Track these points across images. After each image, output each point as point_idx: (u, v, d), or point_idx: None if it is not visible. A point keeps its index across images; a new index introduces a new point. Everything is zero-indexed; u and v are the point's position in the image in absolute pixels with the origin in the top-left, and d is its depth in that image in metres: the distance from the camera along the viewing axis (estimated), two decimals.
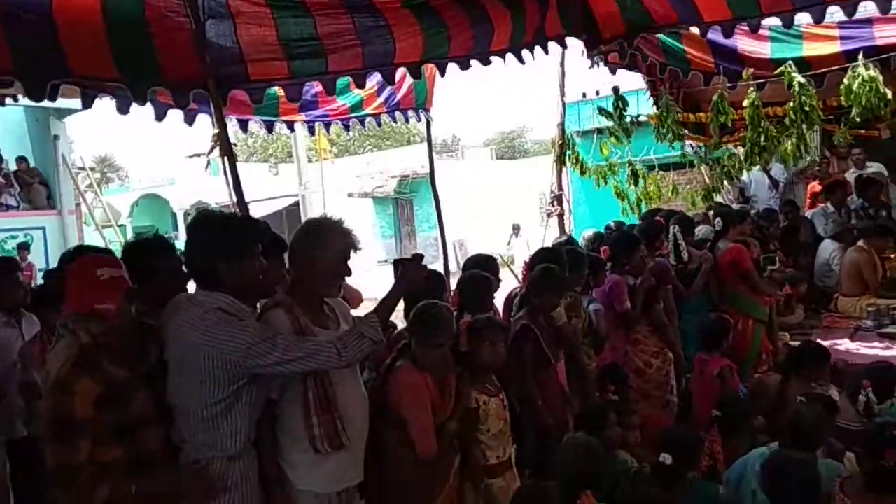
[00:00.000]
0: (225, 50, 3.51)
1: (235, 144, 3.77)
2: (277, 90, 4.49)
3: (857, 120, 5.02)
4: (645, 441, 3.66)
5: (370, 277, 4.99)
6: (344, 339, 2.31)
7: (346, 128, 5.86)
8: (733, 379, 4.06)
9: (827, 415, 3.19)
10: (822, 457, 3.13)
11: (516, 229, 16.51)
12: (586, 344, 4.13)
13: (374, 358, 3.07)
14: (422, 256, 2.60)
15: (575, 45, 4.85)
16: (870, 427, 3.04)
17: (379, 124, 6.08)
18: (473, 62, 4.20)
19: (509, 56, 4.29)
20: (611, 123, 5.90)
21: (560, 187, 6.23)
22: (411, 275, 2.50)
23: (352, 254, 2.54)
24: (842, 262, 6.18)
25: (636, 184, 6.14)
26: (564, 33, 4.49)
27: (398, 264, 2.56)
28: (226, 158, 3.59)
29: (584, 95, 14.13)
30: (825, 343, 5.22)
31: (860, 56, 4.66)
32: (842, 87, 4.64)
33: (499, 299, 4.16)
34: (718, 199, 7.17)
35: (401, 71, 5.51)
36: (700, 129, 6.62)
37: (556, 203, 6.21)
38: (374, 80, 5.36)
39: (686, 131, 6.24)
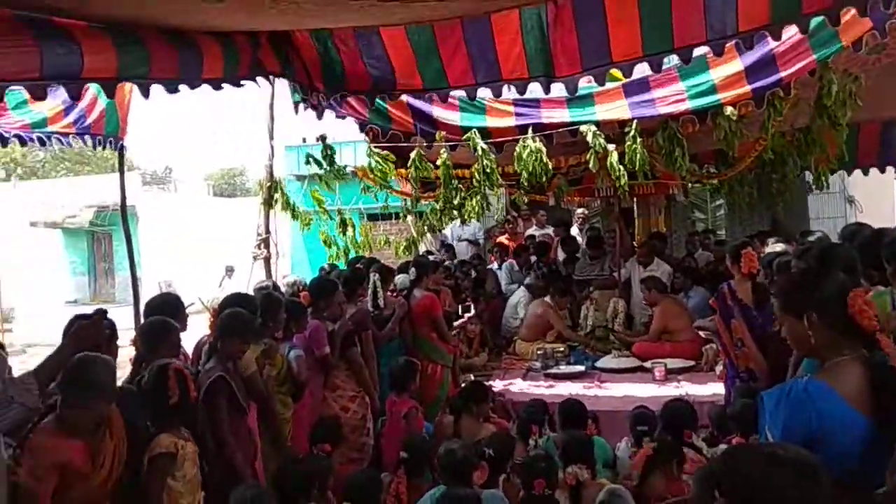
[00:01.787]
0: None
1: None
2: None
3: (526, 185, 5.75)
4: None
5: (55, 320, 4.31)
6: None
7: (42, 143, 5.14)
8: (418, 420, 4.30)
9: (475, 449, 3.49)
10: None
11: (230, 271, 15.79)
12: (283, 392, 4.07)
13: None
14: (104, 313, 2.33)
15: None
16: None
17: (69, 145, 5.43)
18: (182, 87, 3.99)
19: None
20: (319, 171, 6.00)
21: (268, 230, 6.13)
22: (83, 334, 2.22)
23: None
24: (527, 310, 7.06)
25: (344, 232, 6.29)
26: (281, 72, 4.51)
27: (75, 321, 2.27)
28: None
29: (303, 140, 14.29)
30: (502, 382, 5.86)
31: (530, 130, 5.39)
32: (515, 154, 5.30)
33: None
34: (423, 249, 7.71)
35: (91, 93, 5.07)
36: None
37: (262, 246, 6.09)
38: (59, 98, 4.83)
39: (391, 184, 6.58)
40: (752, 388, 3.59)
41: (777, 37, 4.22)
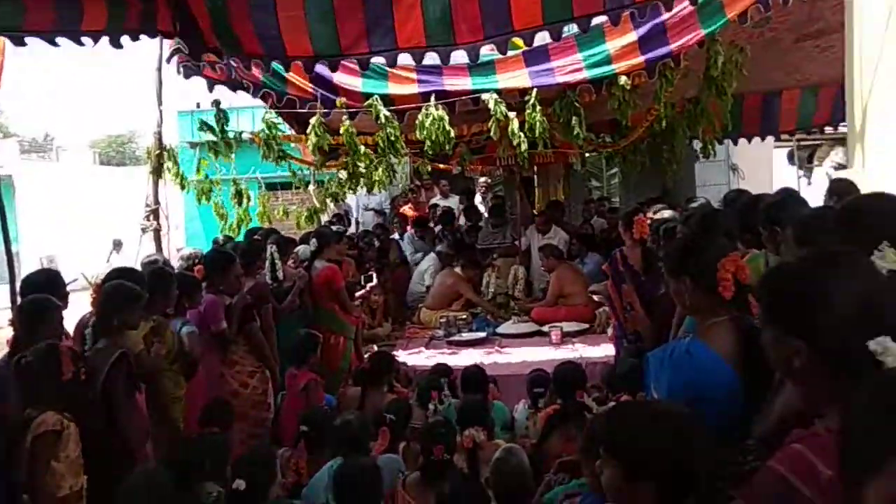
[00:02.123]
0: None
1: None
2: None
3: (430, 153, 5.72)
4: None
5: None
6: None
7: None
8: (318, 392, 4.24)
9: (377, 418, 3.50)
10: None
11: (117, 245, 14.95)
12: (174, 370, 3.91)
13: None
14: None
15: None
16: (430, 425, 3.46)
17: None
18: (63, 40, 3.67)
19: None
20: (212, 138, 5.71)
21: (157, 201, 5.82)
22: None
23: None
24: (434, 278, 7.09)
25: (240, 203, 6.05)
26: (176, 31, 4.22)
27: None
28: None
29: (197, 106, 13.58)
30: (405, 352, 5.87)
31: (432, 98, 5.34)
32: (417, 122, 5.24)
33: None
34: (326, 219, 7.55)
35: None
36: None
37: (152, 218, 5.78)
38: None
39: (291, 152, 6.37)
40: (639, 348, 3.76)
41: (669, 7, 4.36)
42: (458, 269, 7.06)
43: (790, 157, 11.46)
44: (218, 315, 4.32)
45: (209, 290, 4.41)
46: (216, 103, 5.68)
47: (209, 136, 5.82)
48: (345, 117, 5.46)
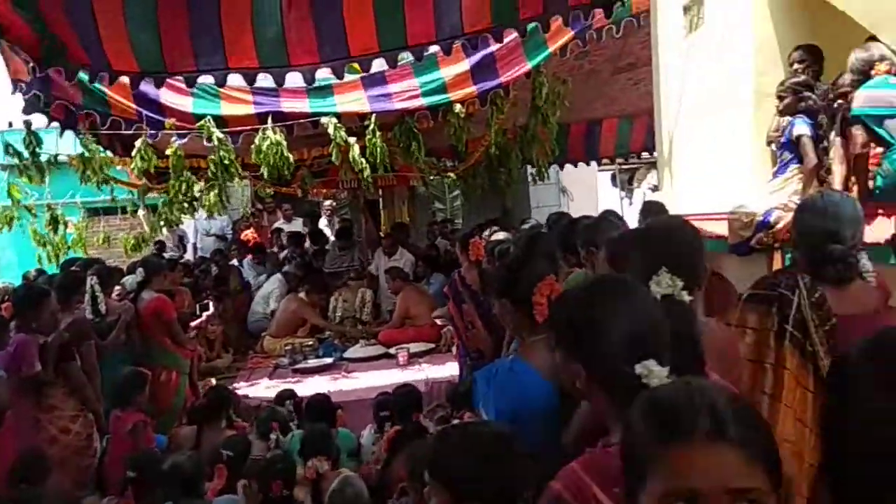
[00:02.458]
0: None
1: None
2: None
3: (266, 178, 5.57)
4: None
5: None
6: None
7: None
8: (147, 434, 3.96)
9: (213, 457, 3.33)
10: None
11: None
12: None
13: None
14: None
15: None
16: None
17: None
18: None
19: None
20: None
21: None
22: None
23: None
24: (279, 303, 6.87)
25: (56, 230, 5.54)
26: None
27: None
28: None
29: (10, 125, 12.31)
30: (247, 384, 5.64)
31: (269, 120, 5.22)
32: (253, 146, 5.10)
33: None
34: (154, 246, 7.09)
35: None
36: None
37: None
38: None
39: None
40: (479, 366, 3.86)
41: (499, 39, 4.60)
42: (301, 295, 6.92)
43: (613, 180, 12.45)
44: (30, 356, 3.91)
45: (20, 329, 4.00)
46: (27, 124, 5.19)
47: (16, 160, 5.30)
48: (174, 139, 5.21)
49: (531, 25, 4.45)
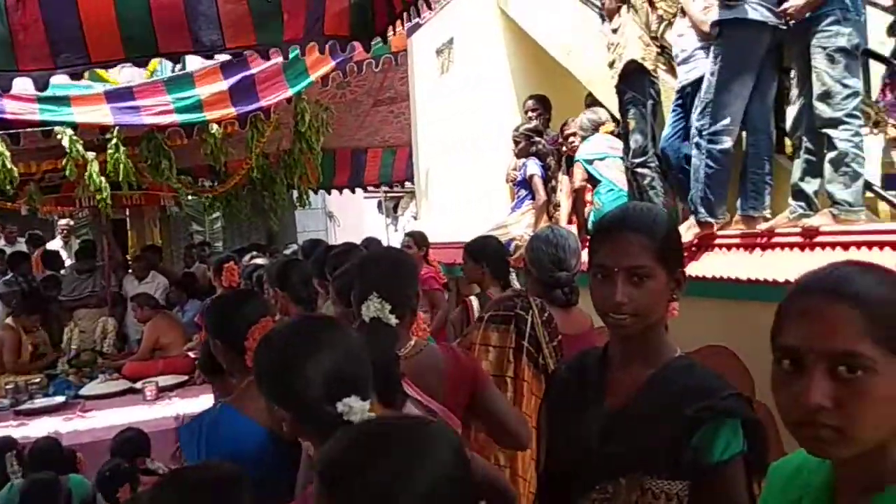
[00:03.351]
0: None
1: None
2: None
3: None
4: None
5: None
6: None
7: None
8: None
9: None
10: None
11: None
12: None
13: None
14: None
15: None
16: None
17: None
18: None
19: None
20: None
21: None
22: None
23: None
24: None
25: None
26: None
27: None
28: None
29: None
30: None
31: None
32: None
33: None
34: None
35: None
36: None
37: None
38: None
39: None
40: None
41: (266, 57, 4.50)
42: (9, 321, 6.05)
43: (379, 207, 12.83)
44: None
45: None
46: None
47: None
48: None
49: (293, 52, 4.45)
